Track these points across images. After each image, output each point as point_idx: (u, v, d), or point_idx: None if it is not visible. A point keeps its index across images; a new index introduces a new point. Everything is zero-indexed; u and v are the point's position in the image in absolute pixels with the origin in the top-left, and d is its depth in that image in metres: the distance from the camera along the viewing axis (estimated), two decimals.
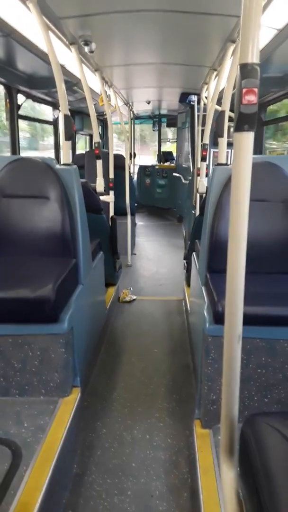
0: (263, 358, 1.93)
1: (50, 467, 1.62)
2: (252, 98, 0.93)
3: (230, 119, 2.61)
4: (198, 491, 1.63)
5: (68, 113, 2.46)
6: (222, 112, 2.85)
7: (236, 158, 0.99)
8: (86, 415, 2.37)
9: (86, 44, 2.88)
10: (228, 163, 2.77)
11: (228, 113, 2.86)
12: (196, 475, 1.72)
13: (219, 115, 2.88)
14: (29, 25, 2.42)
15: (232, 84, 2.73)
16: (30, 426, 1.85)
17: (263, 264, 2.28)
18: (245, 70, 0.93)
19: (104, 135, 8.37)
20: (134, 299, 4.28)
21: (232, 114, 1.01)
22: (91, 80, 4.05)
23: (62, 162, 2.52)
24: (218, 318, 1.91)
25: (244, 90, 0.93)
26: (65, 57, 3.19)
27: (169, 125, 10.10)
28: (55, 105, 5.18)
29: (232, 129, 1.53)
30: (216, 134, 2.91)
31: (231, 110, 1.06)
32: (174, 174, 8.36)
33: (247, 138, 0.97)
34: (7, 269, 2.26)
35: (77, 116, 6.43)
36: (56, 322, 2.03)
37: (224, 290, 1.08)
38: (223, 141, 2.88)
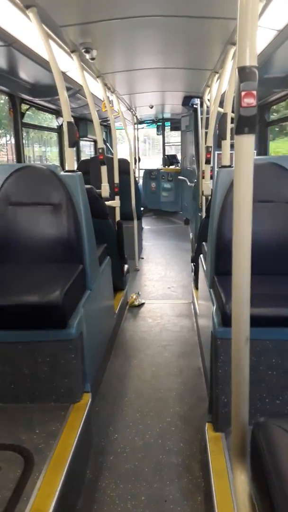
0: (274, 360, 1.92)
1: (63, 473, 1.62)
2: (251, 100, 0.93)
3: (233, 121, 2.61)
4: (211, 495, 1.61)
5: (71, 120, 2.46)
6: (225, 115, 2.85)
7: (237, 161, 0.98)
8: (98, 421, 2.37)
9: (87, 51, 2.90)
10: (232, 165, 2.77)
11: (230, 115, 2.86)
12: (209, 478, 1.71)
13: (222, 118, 2.88)
14: (30, 34, 2.45)
15: (233, 86, 2.72)
16: (41, 432, 1.85)
17: (270, 265, 2.27)
18: (243, 73, 0.93)
19: (108, 141, 8.40)
20: (143, 303, 4.27)
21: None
22: (94, 86, 4.08)
23: (66, 169, 2.53)
24: (227, 320, 1.90)
25: (243, 93, 0.93)
26: (67, 63, 3.22)
27: (173, 128, 10.09)
28: (58, 113, 5.21)
29: None
30: (219, 136, 2.91)
31: (234, 112, 1.07)
32: (180, 177, 8.35)
33: (248, 141, 0.97)
34: (15, 276, 2.27)
35: (81, 122, 6.46)
36: (65, 327, 2.03)
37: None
38: (226, 143, 2.88)
